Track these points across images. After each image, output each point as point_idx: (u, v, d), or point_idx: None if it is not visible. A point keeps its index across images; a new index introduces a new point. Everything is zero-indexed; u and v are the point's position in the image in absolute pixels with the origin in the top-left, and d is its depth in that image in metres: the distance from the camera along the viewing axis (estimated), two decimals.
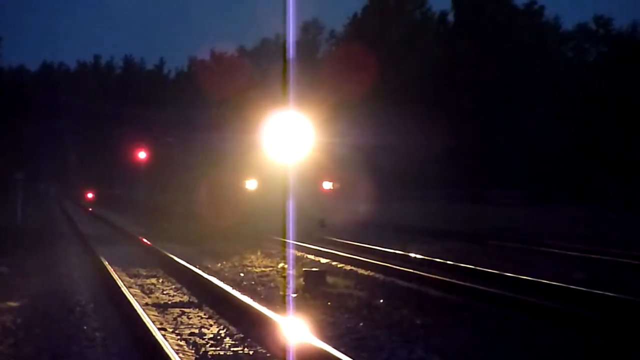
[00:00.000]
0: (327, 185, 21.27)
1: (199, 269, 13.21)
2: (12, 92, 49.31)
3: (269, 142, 21.20)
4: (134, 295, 10.26)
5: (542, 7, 54.56)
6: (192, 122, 39.05)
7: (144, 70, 73.48)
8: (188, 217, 30.24)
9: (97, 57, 78.06)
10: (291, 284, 11.56)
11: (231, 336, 7.95)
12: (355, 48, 34.99)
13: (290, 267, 13.78)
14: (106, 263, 14.37)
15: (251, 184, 21.98)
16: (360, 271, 13.56)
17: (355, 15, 55.95)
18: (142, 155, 43.22)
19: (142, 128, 47.61)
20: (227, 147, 24.27)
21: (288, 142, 19.84)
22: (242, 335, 7.89)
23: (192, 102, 46.86)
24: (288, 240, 16.65)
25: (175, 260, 14.28)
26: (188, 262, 13.91)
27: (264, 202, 20.84)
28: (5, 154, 35.75)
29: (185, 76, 63.78)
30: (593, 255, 14.53)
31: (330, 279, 12.00)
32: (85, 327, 8.43)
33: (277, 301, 10.14)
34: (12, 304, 10.27)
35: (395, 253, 15.57)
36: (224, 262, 15.17)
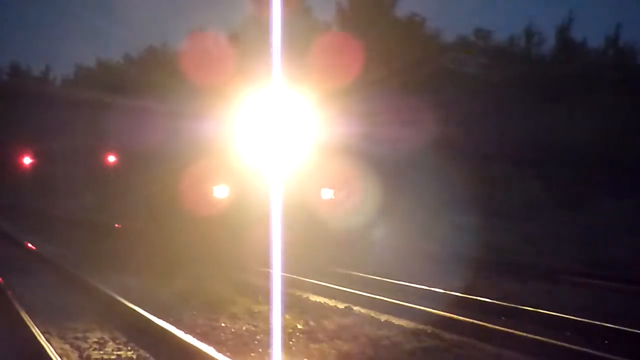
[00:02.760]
0: (327, 193, 16.16)
1: (192, 337, 7.90)
2: None
3: (246, 138, 16.05)
4: None
5: (423, 19, 52.85)
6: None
7: (29, 76, 65.92)
8: (120, 233, 24.49)
9: None
10: None
11: None
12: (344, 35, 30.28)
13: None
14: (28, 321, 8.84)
15: (221, 192, 16.56)
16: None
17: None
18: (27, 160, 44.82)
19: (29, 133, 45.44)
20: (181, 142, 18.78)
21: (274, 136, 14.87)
22: None
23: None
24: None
25: (147, 319, 8.87)
26: (169, 322, 8.60)
27: (240, 216, 15.49)
28: None
29: (71, 82, 57.48)
30: None
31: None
32: None
33: None
34: None
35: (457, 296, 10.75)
36: (223, 322, 9.77)
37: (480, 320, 9.01)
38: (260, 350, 7.96)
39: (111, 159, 41.47)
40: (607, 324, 8.61)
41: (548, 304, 10.28)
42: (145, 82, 32.08)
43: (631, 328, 8.33)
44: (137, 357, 7.78)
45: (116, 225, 26.74)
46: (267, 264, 11.40)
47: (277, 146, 14.89)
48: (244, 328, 9.28)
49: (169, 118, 21.48)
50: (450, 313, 9.50)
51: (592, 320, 8.88)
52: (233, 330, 9.14)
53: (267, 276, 13.17)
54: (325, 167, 15.98)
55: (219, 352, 7.17)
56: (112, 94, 34.35)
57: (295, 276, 13.01)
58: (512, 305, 10.08)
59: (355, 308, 10.62)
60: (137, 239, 20.26)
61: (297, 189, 15.37)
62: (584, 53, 31.48)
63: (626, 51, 30.96)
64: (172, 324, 8.68)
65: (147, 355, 7.82)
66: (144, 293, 11.78)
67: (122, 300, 10.45)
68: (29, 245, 21.38)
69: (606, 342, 8.26)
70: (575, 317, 9.12)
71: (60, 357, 7.44)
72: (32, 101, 48.05)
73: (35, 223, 31.41)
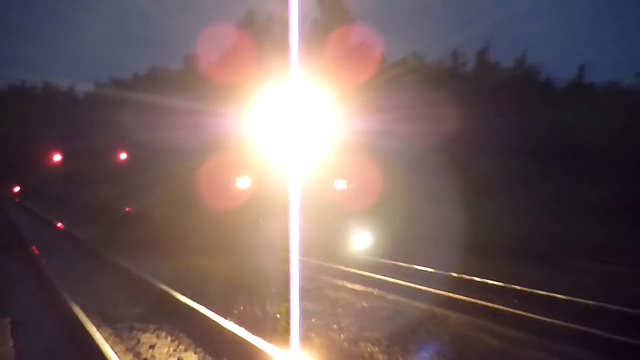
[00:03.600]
0: (340, 184, 17.42)
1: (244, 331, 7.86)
2: None
3: (266, 132, 17.34)
4: None
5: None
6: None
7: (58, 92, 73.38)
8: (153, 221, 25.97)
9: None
10: None
11: None
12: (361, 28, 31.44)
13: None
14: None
15: (243, 183, 17.89)
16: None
17: None
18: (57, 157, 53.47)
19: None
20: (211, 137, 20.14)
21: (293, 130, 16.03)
22: None
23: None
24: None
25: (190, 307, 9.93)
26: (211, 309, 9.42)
27: (261, 206, 16.80)
28: None
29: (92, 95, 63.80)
30: None
31: None
32: None
33: None
34: None
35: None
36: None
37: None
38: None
39: (122, 155, 45.30)
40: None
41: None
42: (169, 87, 33.70)
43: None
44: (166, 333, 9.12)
45: (127, 209, 28.13)
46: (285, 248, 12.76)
47: (295, 140, 16.11)
48: (271, 286, 10.66)
49: (193, 115, 22.86)
50: (422, 286, 10.72)
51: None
52: (257, 286, 10.53)
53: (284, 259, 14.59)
54: (339, 160, 17.21)
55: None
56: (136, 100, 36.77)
57: (307, 258, 14.28)
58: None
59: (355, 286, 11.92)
60: (164, 226, 21.58)
61: (313, 180, 16.62)
62: (497, 71, 36.82)
63: (531, 71, 36.86)
64: (177, 291, 10.00)
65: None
66: (180, 279, 13.12)
67: (162, 286, 11.80)
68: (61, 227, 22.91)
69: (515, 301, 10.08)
70: None
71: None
72: (61, 111, 57.69)
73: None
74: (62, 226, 23.81)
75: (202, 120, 21.03)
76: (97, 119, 45.46)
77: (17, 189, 59.47)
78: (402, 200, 19.77)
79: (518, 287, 10.66)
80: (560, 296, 9.93)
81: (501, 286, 10.97)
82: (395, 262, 13.41)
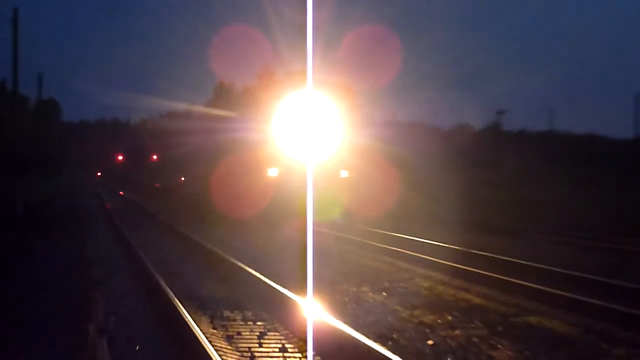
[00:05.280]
0: (344, 173, 23.89)
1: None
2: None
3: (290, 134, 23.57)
4: None
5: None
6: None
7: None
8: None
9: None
10: None
11: None
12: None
13: None
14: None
15: (273, 172, 24.36)
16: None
17: None
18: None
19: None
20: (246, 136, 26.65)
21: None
22: None
23: None
24: None
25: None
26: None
27: (286, 189, 23.15)
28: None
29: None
30: None
31: None
32: None
33: None
34: None
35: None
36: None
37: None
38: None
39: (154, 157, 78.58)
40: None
41: None
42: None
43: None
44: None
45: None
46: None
47: (311, 140, 22.41)
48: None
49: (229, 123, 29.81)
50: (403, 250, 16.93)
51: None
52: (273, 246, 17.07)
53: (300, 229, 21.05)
54: (345, 156, 23.80)
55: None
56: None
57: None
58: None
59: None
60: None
61: (325, 170, 23.02)
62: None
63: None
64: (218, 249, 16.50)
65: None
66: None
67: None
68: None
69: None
70: None
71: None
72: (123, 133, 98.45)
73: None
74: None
75: (241, 125, 27.46)
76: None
77: (99, 174, 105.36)
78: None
79: None
80: None
81: None
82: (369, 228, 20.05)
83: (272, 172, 24.32)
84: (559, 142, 48.21)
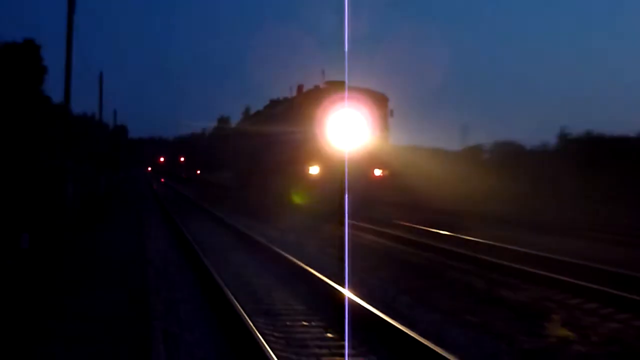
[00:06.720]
0: (378, 171, 26.47)
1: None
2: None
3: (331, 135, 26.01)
4: None
5: None
6: None
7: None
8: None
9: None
10: None
11: None
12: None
13: None
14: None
15: (314, 170, 26.93)
16: None
17: None
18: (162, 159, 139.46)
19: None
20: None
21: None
22: None
23: None
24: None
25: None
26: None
27: (327, 186, 25.57)
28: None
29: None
30: None
31: None
32: None
33: None
34: None
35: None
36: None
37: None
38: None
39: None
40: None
41: None
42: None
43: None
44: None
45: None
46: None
47: (350, 141, 24.74)
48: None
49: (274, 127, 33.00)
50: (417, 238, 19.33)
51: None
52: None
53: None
54: (380, 156, 26.39)
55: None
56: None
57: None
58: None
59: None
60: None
61: (361, 169, 25.50)
62: None
63: None
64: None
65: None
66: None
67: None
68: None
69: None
70: None
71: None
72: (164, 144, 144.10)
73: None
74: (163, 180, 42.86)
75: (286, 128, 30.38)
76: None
77: (149, 169, 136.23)
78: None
79: None
80: None
81: None
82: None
83: (313, 170, 26.83)
84: None
